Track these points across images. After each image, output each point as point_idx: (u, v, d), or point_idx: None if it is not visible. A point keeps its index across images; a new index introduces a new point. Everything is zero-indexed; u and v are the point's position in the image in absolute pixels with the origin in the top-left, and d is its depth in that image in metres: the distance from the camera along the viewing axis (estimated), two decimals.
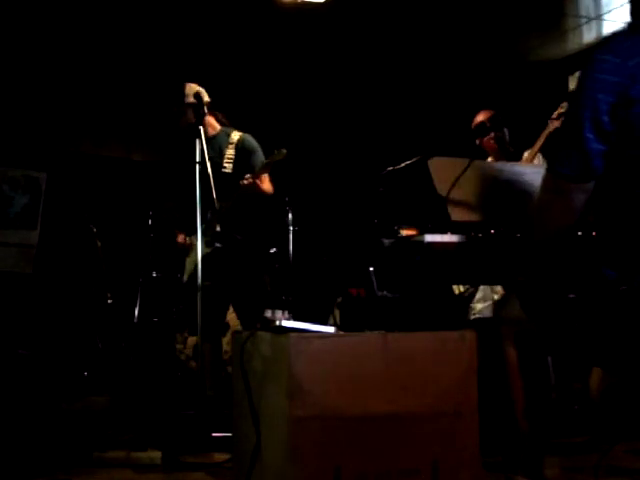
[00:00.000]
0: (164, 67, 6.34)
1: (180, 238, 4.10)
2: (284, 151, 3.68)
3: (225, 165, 4.03)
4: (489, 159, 4.27)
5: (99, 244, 5.34)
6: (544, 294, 2.25)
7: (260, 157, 4.03)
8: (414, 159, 2.97)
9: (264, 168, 3.81)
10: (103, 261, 5.32)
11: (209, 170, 3.67)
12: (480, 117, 4.22)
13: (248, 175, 3.84)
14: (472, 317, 4.03)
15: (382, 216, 2.99)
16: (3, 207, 6.27)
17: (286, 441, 2.15)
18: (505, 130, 4.18)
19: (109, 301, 5.26)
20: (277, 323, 2.33)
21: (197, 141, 3.71)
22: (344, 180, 6.27)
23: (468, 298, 4.07)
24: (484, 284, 3.86)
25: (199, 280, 3.64)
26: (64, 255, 6.13)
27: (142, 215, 5.56)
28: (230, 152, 4.05)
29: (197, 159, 3.71)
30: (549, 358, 3.58)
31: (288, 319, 2.34)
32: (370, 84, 6.68)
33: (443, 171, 2.68)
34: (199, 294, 3.62)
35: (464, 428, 2.26)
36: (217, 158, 4.03)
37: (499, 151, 4.18)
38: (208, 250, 3.93)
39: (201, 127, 3.73)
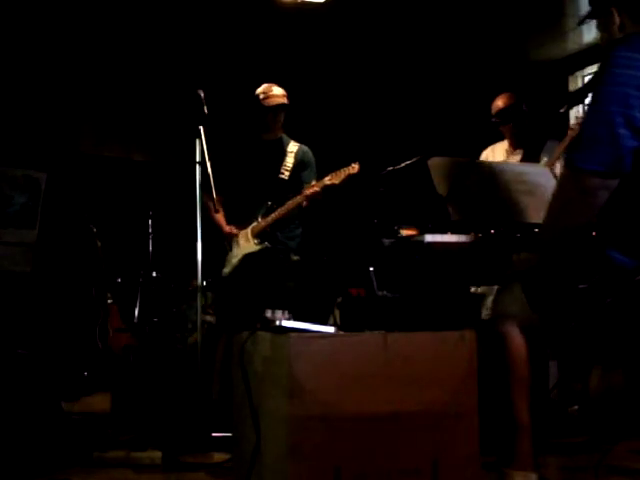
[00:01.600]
0: (164, 68, 6.35)
1: (228, 229, 4.16)
2: (356, 166, 3.86)
3: (283, 172, 4.17)
4: (505, 142, 4.22)
5: (99, 244, 5.34)
6: (553, 286, 2.23)
7: (313, 173, 4.20)
8: (414, 159, 2.97)
9: (334, 180, 3.91)
10: (103, 261, 5.32)
11: (209, 170, 3.69)
12: (500, 103, 4.13)
13: (315, 183, 3.99)
14: (486, 316, 4.01)
15: (382, 216, 2.99)
16: (2, 206, 6.26)
17: (286, 441, 2.15)
18: (526, 118, 4.10)
19: (109, 301, 5.26)
20: (277, 323, 2.33)
21: (197, 141, 3.72)
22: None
23: (481, 297, 4.05)
24: (484, 284, 3.85)
25: (199, 280, 3.65)
26: (63, 255, 6.13)
27: (142, 215, 5.57)
28: (289, 160, 4.19)
29: (197, 159, 3.72)
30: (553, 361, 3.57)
31: (288, 319, 2.34)
32: (370, 84, 6.68)
33: (443, 171, 2.68)
34: (199, 294, 3.64)
35: (464, 428, 2.25)
36: (275, 162, 4.18)
37: (518, 138, 4.11)
38: (258, 247, 4.06)
39: (201, 127, 3.73)
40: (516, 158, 4.14)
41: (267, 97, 4.15)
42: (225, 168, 4.14)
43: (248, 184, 4.16)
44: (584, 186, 2.06)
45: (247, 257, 4.06)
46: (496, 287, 3.89)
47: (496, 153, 4.26)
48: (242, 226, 4.14)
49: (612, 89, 2.03)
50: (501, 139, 4.28)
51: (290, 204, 4.03)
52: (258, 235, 4.08)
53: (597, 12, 2.28)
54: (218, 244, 4.19)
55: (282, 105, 4.15)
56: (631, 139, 2.01)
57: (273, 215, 4.06)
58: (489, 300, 4.00)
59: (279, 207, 4.07)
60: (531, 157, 3.96)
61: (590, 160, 2.04)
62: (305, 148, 4.25)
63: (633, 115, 2.00)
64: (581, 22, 2.41)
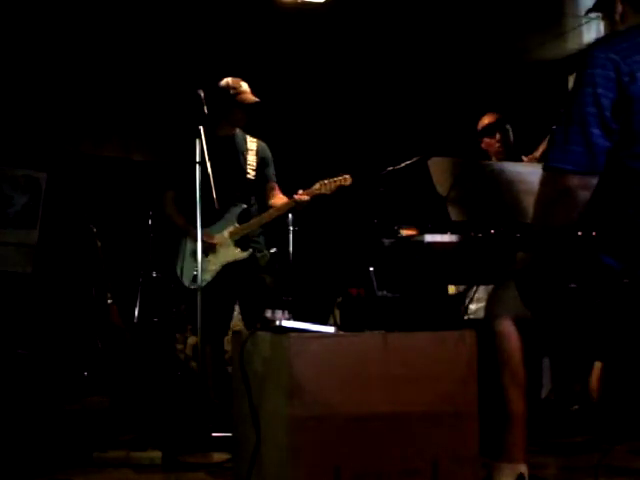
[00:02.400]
0: (164, 67, 6.35)
1: (209, 240, 3.89)
2: (349, 178, 3.79)
3: (249, 171, 4.05)
4: (492, 160, 4.29)
5: (99, 244, 5.34)
6: (544, 284, 2.24)
7: (273, 169, 4.12)
8: (414, 159, 2.97)
9: (323, 190, 3.83)
10: (103, 261, 5.32)
11: (209, 170, 3.67)
12: (486, 120, 4.25)
13: (301, 191, 3.84)
14: (467, 317, 4.03)
15: (382, 216, 2.99)
16: (3, 206, 6.27)
17: (286, 441, 2.15)
18: (510, 134, 4.21)
19: (109, 301, 5.26)
20: (277, 323, 2.33)
21: (197, 141, 3.71)
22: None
23: (464, 298, 4.07)
24: (484, 284, 3.86)
25: (199, 280, 3.64)
26: (64, 255, 6.13)
27: (142, 215, 5.57)
28: (252, 158, 4.08)
29: (197, 159, 3.70)
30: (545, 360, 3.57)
31: (288, 319, 2.34)
32: (370, 84, 6.69)
33: (443, 171, 2.68)
34: (199, 294, 3.63)
35: (464, 428, 2.25)
36: (237, 160, 4.06)
37: (503, 155, 4.19)
38: (244, 254, 3.93)
39: (201, 127, 3.72)
40: None
41: (241, 93, 4.00)
42: (180, 163, 3.99)
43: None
44: (562, 187, 2.07)
45: (231, 265, 3.92)
46: (475, 287, 3.94)
47: None
48: (208, 227, 3.88)
49: (585, 89, 2.05)
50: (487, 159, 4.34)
51: (278, 210, 3.92)
52: (240, 241, 3.93)
53: (602, 3, 2.29)
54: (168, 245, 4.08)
55: (256, 103, 4.03)
56: (603, 138, 2.02)
57: (260, 220, 3.95)
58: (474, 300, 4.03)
59: (258, 211, 4.00)
60: None
61: (564, 160, 2.05)
62: (263, 144, 4.13)
63: (605, 115, 2.01)
64: (586, 13, 2.45)
